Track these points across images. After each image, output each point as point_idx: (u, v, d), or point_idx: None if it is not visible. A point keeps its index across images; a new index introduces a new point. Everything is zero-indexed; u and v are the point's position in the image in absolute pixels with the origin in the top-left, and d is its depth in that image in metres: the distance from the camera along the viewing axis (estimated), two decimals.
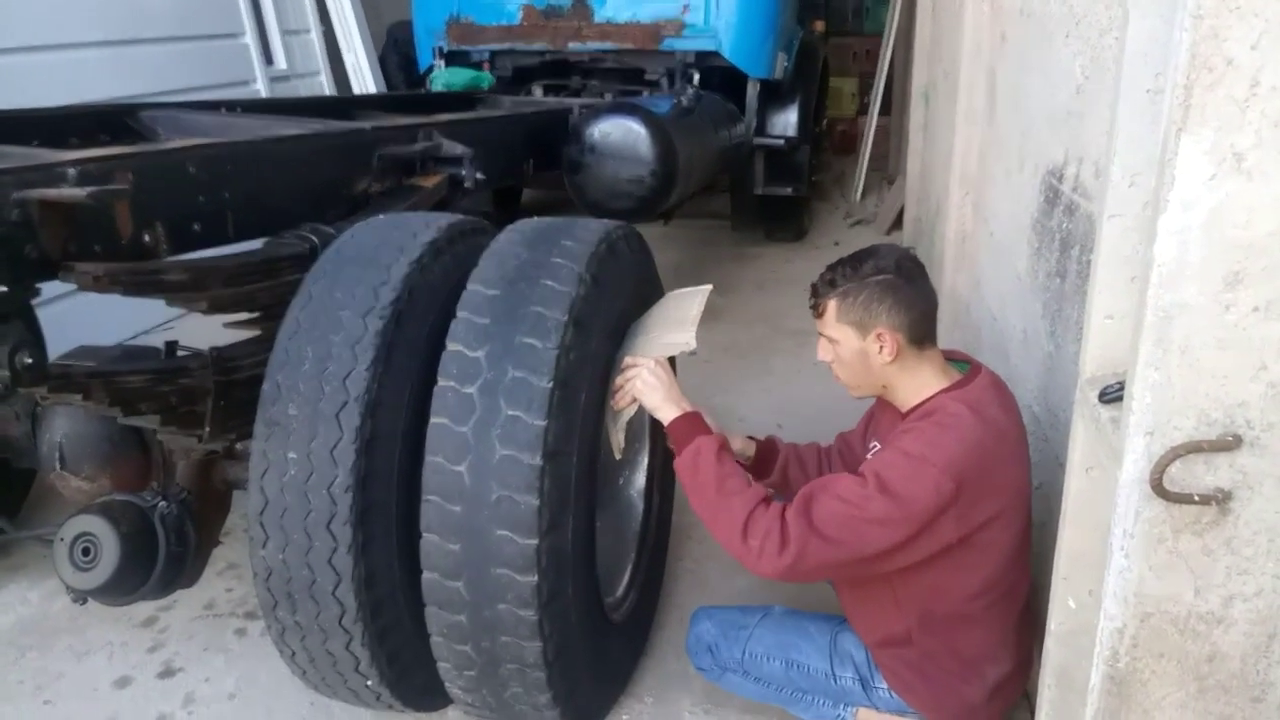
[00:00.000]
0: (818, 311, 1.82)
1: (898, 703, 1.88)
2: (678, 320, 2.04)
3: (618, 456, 2.09)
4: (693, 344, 1.95)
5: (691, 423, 1.85)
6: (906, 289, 1.73)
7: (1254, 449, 1.17)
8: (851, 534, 1.60)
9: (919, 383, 1.77)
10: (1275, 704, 1.30)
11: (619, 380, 1.95)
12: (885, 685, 1.88)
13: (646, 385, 1.90)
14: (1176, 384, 1.16)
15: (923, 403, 1.75)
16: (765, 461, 2.16)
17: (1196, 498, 1.19)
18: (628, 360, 1.96)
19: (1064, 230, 2.06)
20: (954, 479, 1.60)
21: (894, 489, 1.60)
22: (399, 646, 1.87)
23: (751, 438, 2.17)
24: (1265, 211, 1.09)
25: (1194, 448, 1.17)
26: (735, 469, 1.77)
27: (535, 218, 2.11)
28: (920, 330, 1.75)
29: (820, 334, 1.84)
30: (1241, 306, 1.12)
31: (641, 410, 1.96)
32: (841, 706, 1.96)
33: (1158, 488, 1.19)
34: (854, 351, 1.77)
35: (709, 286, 2.14)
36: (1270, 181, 1.08)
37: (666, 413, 1.87)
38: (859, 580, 1.90)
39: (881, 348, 1.73)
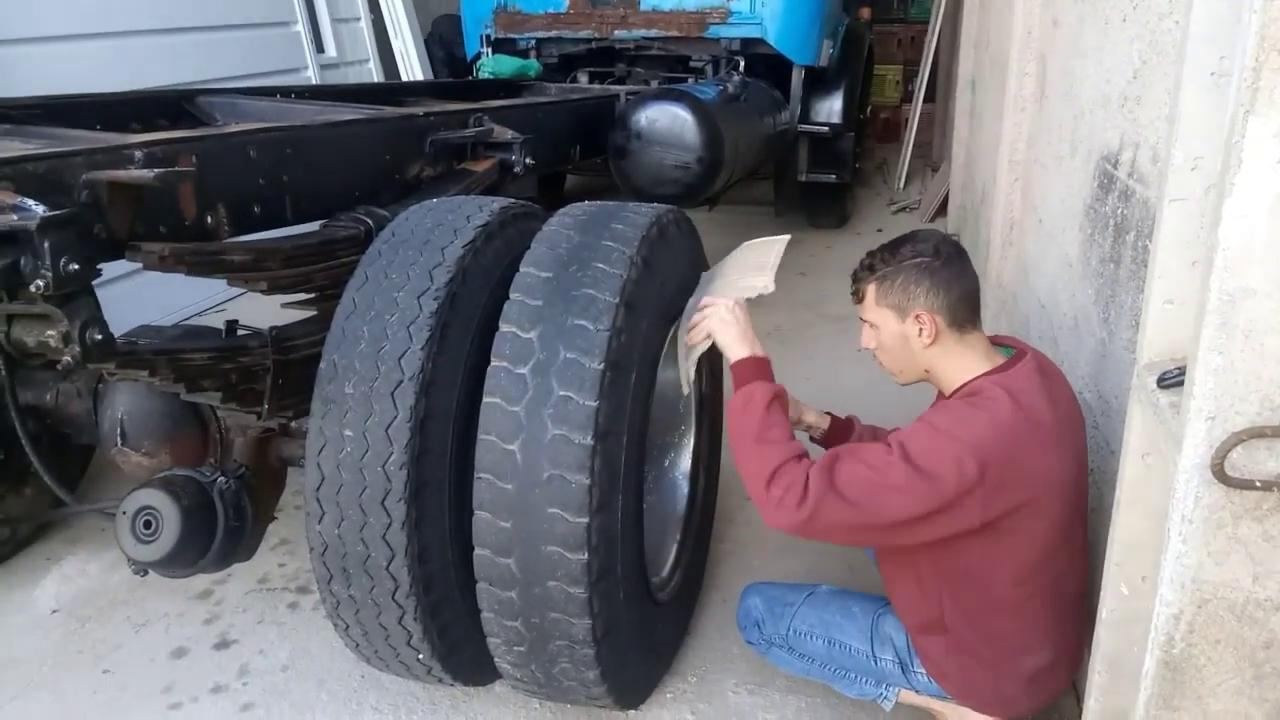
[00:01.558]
0: (858, 297, 1.84)
1: (936, 687, 1.89)
2: (756, 266, 2.08)
3: (685, 391, 2.12)
4: (771, 287, 2.00)
5: (757, 366, 1.85)
6: (944, 271, 1.74)
7: None
8: (869, 497, 1.60)
9: (961, 366, 1.76)
10: None
11: (695, 318, 1.98)
12: (923, 671, 1.89)
13: (723, 321, 1.92)
14: (1239, 368, 1.15)
15: (964, 385, 1.75)
16: (838, 437, 2.15)
17: (1258, 483, 1.18)
18: (706, 300, 1.99)
19: (1119, 216, 2.04)
20: (977, 459, 1.58)
21: (916, 460, 1.60)
22: (450, 621, 1.91)
23: (829, 414, 2.16)
24: None
25: (1257, 433, 1.16)
26: (782, 420, 1.76)
27: (586, 202, 2.12)
28: (960, 313, 1.75)
29: (862, 320, 1.86)
30: None
31: (698, 376, 1.98)
32: (883, 686, 1.97)
33: (1219, 473, 1.18)
34: (894, 335, 1.78)
35: (787, 236, 2.18)
36: None
37: (736, 351, 1.88)
38: (890, 558, 1.93)
39: (921, 330, 1.74)
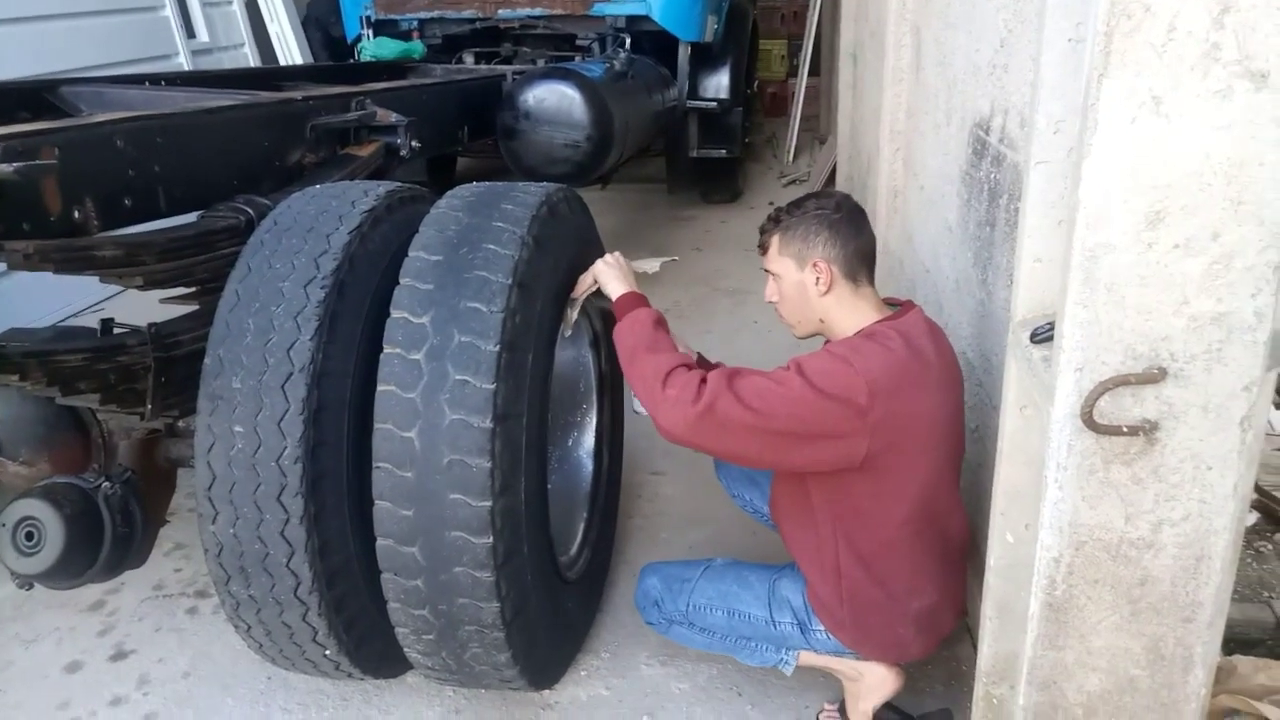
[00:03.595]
0: (763, 249, 1.92)
1: (834, 643, 1.94)
2: (644, 260, 2.17)
3: (567, 334, 2.20)
4: (656, 268, 2.11)
5: (637, 298, 1.96)
6: (843, 225, 1.83)
7: (1178, 380, 1.23)
8: (763, 402, 1.65)
9: (854, 317, 1.84)
10: (1205, 623, 1.37)
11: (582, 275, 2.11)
12: (822, 627, 1.94)
13: (605, 266, 2.04)
14: (1103, 321, 1.21)
15: (858, 333, 1.83)
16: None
17: (1125, 429, 1.25)
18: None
19: (992, 180, 2.12)
20: (868, 384, 1.66)
21: (811, 377, 1.67)
22: (356, 614, 1.88)
23: (699, 354, 2.19)
24: (1183, 152, 1.14)
25: (1121, 381, 1.22)
26: (668, 337, 1.86)
27: (475, 183, 2.10)
28: (854, 265, 1.84)
29: (765, 271, 1.93)
30: (1163, 244, 1.17)
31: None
32: (783, 651, 2.01)
33: (1088, 421, 1.24)
34: (793, 284, 1.86)
35: (675, 257, 2.28)
36: (1187, 123, 1.12)
37: (617, 289, 1.99)
38: (786, 508, 1.98)
39: (818, 278, 1.82)
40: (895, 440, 1.71)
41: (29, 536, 1.79)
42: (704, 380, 1.68)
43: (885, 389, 1.67)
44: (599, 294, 2.07)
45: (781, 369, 1.72)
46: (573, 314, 2.13)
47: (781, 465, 1.85)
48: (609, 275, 2.02)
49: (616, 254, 2.09)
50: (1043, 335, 1.41)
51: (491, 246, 1.84)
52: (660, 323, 1.88)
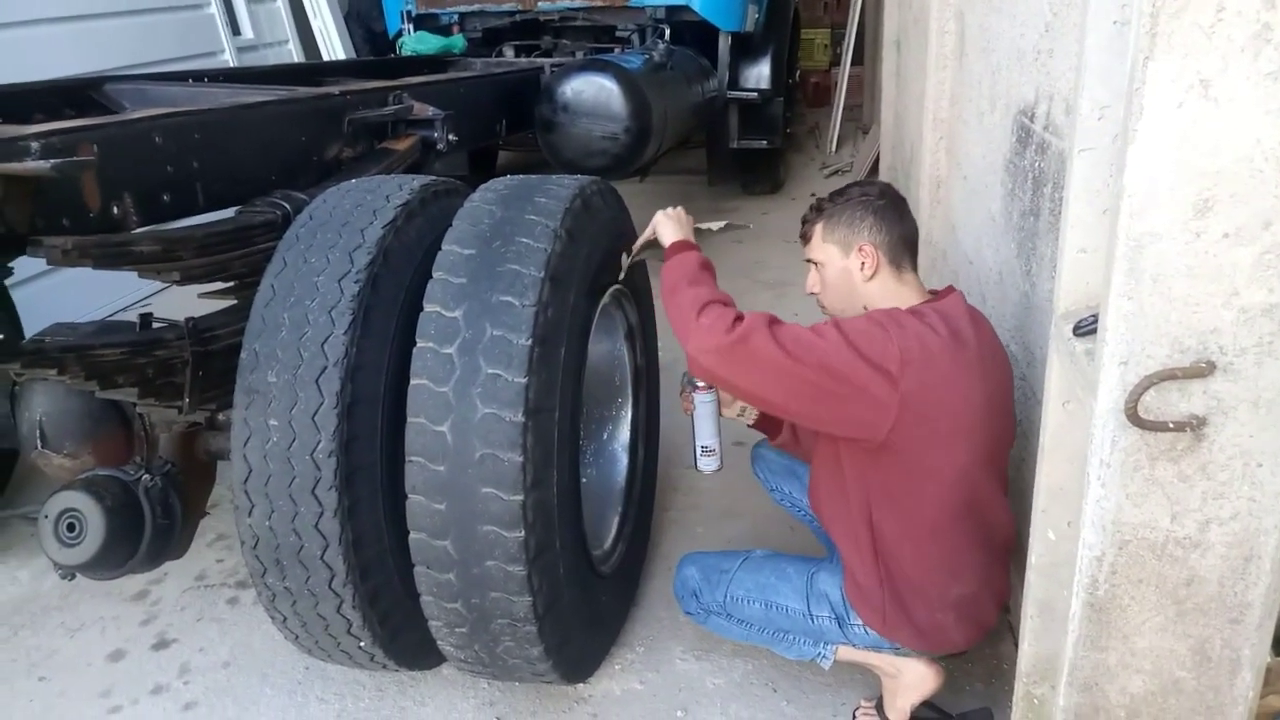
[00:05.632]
0: (805, 238, 1.92)
1: (873, 638, 1.91)
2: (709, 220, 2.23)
3: (620, 278, 2.23)
4: (720, 225, 2.16)
5: (689, 244, 1.94)
6: (889, 211, 1.84)
7: (1227, 374, 1.18)
8: (797, 346, 1.63)
9: (899, 303, 1.81)
10: (1253, 625, 1.33)
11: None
12: (860, 621, 1.90)
13: (665, 216, 2.02)
14: (1149, 313, 1.17)
15: None
16: (773, 421, 2.23)
17: (1171, 425, 1.21)
18: None
19: (1036, 169, 2.07)
20: (901, 352, 1.64)
21: (848, 333, 1.66)
22: (390, 607, 1.88)
23: None
24: (1232, 137, 1.09)
25: (1168, 375, 1.18)
26: (713, 279, 1.84)
27: (509, 176, 2.10)
28: (898, 252, 1.84)
29: (807, 261, 1.92)
30: (1212, 233, 1.13)
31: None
32: (821, 645, 1.99)
33: (1133, 416, 1.20)
34: (838, 271, 1.86)
35: (749, 225, 2.31)
36: (1237, 107, 1.08)
37: (673, 237, 1.97)
38: (824, 491, 1.95)
39: (863, 263, 1.82)
40: (927, 415, 1.68)
41: (70, 528, 1.82)
42: (740, 317, 1.67)
43: (918, 360, 1.65)
44: (657, 244, 2.06)
45: (821, 323, 1.71)
46: (627, 262, 2.16)
47: (805, 418, 1.81)
48: (667, 226, 2.00)
49: (679, 208, 2.07)
50: (1086, 328, 1.37)
51: (524, 240, 1.83)
52: (706, 265, 1.87)
